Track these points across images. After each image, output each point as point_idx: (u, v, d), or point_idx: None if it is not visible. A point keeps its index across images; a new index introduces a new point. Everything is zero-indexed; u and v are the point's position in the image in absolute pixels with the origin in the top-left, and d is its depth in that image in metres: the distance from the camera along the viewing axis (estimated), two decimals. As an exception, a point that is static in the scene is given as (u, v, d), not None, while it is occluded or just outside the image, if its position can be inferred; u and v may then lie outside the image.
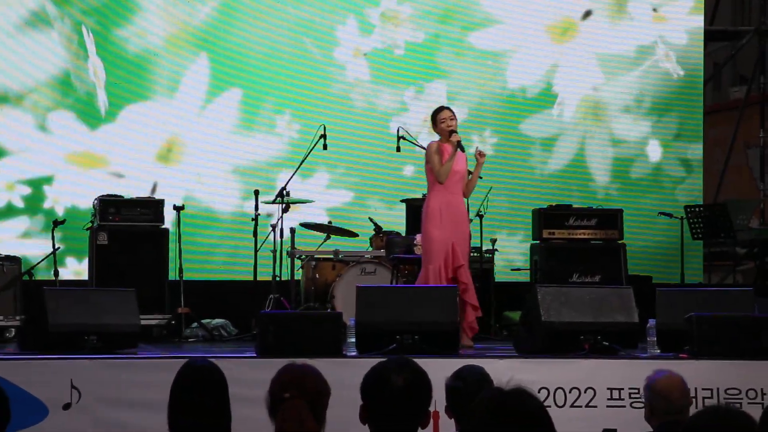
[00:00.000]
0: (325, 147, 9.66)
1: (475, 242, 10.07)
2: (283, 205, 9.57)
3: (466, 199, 8.61)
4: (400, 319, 7.04)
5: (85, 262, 9.75)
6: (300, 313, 8.81)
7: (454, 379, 4.38)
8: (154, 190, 10.55)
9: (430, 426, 3.51)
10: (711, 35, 13.49)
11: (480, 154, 8.37)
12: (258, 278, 9.74)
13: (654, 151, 11.98)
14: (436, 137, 8.46)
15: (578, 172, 11.77)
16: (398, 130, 9.30)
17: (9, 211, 10.46)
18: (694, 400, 5.77)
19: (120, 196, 9.87)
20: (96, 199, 9.75)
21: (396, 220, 10.37)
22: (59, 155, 10.55)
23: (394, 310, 7.08)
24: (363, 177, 11.17)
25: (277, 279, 9.61)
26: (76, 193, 10.50)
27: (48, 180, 10.52)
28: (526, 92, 11.64)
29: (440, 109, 8.53)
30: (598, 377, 6.73)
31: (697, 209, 11.34)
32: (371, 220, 10.05)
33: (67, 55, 10.61)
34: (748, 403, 6.56)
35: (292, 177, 9.72)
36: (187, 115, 10.86)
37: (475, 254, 10.13)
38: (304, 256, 9.71)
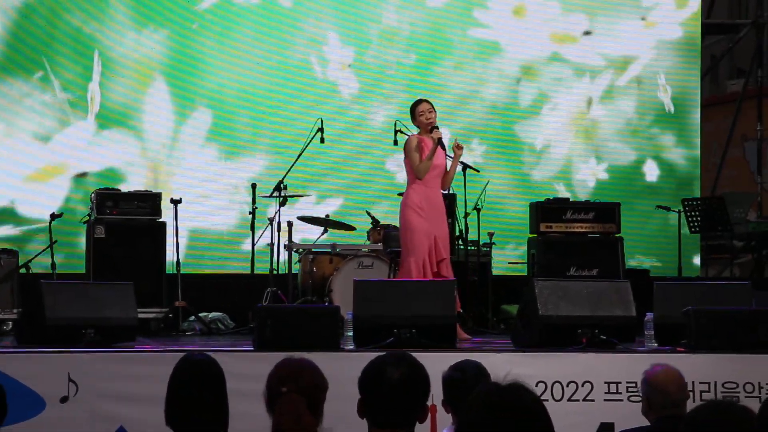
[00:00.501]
0: (322, 140, 9.66)
1: (473, 236, 10.08)
2: (281, 199, 9.57)
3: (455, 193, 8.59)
4: (398, 313, 7.03)
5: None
6: (297, 306, 8.80)
7: (453, 371, 4.38)
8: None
9: (427, 420, 3.51)
10: (708, 28, 13.49)
11: (458, 147, 8.37)
12: (255, 272, 9.74)
13: (651, 145, 11.99)
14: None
15: (575, 165, 11.77)
16: (395, 124, 9.30)
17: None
18: (691, 393, 5.78)
19: (117, 190, 9.86)
20: (93, 192, 9.75)
21: (393, 215, 10.36)
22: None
23: (392, 304, 7.08)
24: (360, 170, 11.16)
25: (275, 272, 9.61)
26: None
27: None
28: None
29: (418, 102, 8.51)
30: (596, 371, 6.73)
31: (694, 202, 11.35)
32: (368, 213, 10.05)
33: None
34: (746, 396, 6.56)
35: (289, 170, 9.72)
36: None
37: (473, 248, 10.14)
38: (301, 250, 9.71)
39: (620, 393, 6.67)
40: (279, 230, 9.56)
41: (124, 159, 10.68)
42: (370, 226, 9.95)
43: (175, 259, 9.55)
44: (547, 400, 6.36)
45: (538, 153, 11.63)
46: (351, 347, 6.95)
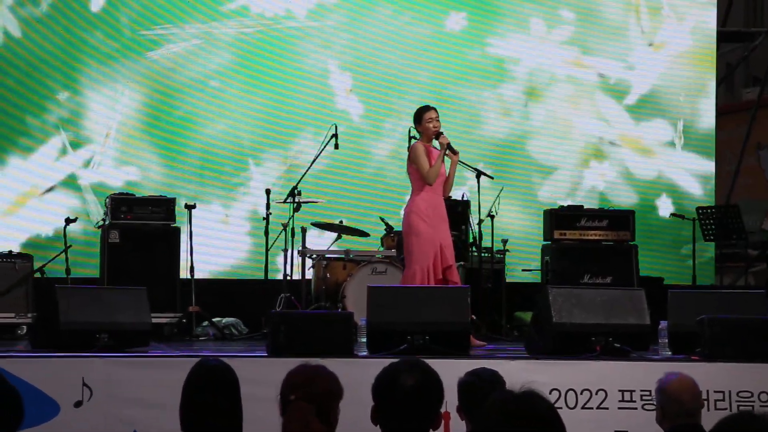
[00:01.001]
0: (336, 146, 9.67)
1: (486, 243, 10.07)
2: (295, 205, 9.58)
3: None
4: (411, 319, 7.03)
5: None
6: (311, 312, 8.81)
7: (469, 376, 4.38)
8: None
9: (441, 427, 3.50)
10: (724, 36, 13.46)
11: (454, 152, 8.37)
12: (269, 277, 9.74)
13: (666, 152, 11.96)
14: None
15: (590, 172, 11.75)
16: (410, 131, 9.29)
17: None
18: (705, 403, 5.76)
19: (132, 194, 9.89)
20: (107, 197, 9.77)
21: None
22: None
23: (406, 311, 7.07)
24: (375, 176, 11.16)
25: (288, 278, 9.62)
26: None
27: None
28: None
29: (426, 108, 8.50)
30: (610, 379, 6.71)
31: (709, 211, 11.32)
32: (382, 219, 10.05)
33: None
34: (761, 405, 6.54)
35: (303, 176, 9.73)
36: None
37: (487, 255, 10.13)
38: (315, 256, 9.72)
39: (634, 401, 6.66)
40: (293, 236, 9.57)
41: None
42: (384, 232, 9.95)
43: (189, 263, 9.56)
44: (560, 408, 6.34)
45: (549, 169, 11.61)
46: (364, 353, 6.94)
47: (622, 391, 6.67)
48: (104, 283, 9.36)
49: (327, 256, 9.64)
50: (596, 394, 6.67)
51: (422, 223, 8.25)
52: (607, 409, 6.66)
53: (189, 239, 9.62)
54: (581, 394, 6.65)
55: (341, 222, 10.05)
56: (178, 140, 10.88)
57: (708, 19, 12.16)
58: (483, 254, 10.04)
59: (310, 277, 9.69)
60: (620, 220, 10.42)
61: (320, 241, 10.20)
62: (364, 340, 7.01)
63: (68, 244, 9.37)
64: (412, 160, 8.42)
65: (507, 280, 10.30)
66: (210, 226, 10.70)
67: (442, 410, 3.47)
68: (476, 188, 9.52)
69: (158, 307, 8.60)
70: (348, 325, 6.97)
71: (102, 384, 6.33)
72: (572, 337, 7.04)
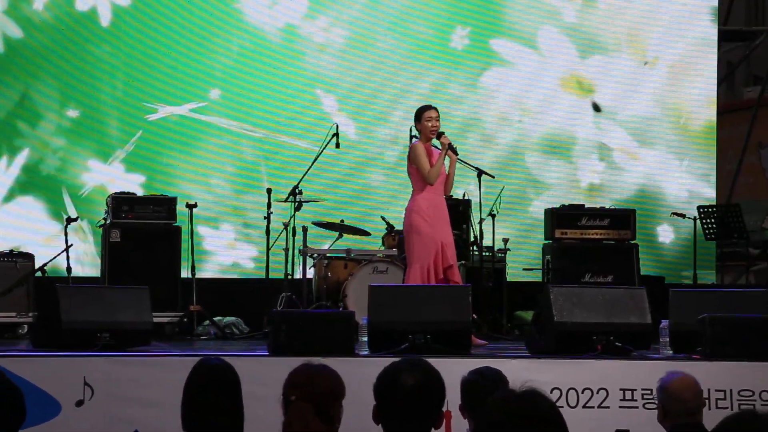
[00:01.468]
0: (337, 146, 9.67)
1: (488, 242, 10.07)
2: (296, 204, 9.58)
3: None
4: (413, 318, 7.03)
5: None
6: (312, 312, 8.81)
7: (472, 375, 4.38)
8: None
9: (442, 426, 3.50)
10: (725, 35, 13.45)
11: (453, 150, 8.36)
12: (270, 276, 9.75)
13: (667, 152, 11.96)
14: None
15: (587, 172, 11.75)
16: (410, 130, 9.29)
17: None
18: (707, 401, 5.76)
19: (133, 194, 9.89)
20: (109, 196, 9.78)
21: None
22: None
23: (407, 310, 7.07)
24: (376, 175, 11.16)
25: (289, 277, 9.62)
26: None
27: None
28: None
29: (427, 107, 8.49)
30: (611, 378, 6.71)
31: (710, 209, 11.32)
32: (384, 219, 10.05)
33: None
34: (762, 404, 6.54)
35: (304, 176, 9.73)
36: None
37: (488, 254, 10.13)
38: (316, 255, 9.71)
39: (635, 400, 6.65)
40: (294, 235, 9.57)
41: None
42: (385, 231, 9.95)
43: (190, 263, 9.57)
44: (562, 407, 6.34)
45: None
46: (365, 353, 6.94)
47: (624, 390, 6.66)
48: (105, 283, 9.36)
49: (328, 255, 9.64)
50: (597, 393, 6.67)
51: (423, 223, 8.25)
52: (608, 408, 6.65)
53: (190, 238, 9.63)
54: (582, 393, 6.64)
55: (342, 221, 10.05)
56: (182, 140, 10.90)
57: (708, 23, 12.15)
58: (484, 253, 10.03)
59: (311, 277, 9.69)
60: (621, 219, 10.42)
61: (321, 240, 10.20)
62: (365, 339, 7.00)
63: (69, 243, 9.38)
64: (412, 160, 8.42)
65: (508, 279, 10.30)
66: (211, 224, 10.71)
67: (444, 409, 3.46)
68: (487, 189, 9.51)
69: (159, 307, 8.60)
70: (349, 325, 6.97)
71: (103, 383, 6.33)
72: (573, 336, 7.04)
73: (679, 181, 11.90)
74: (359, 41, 11.32)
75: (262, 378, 5.74)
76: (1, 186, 10.47)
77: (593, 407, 6.64)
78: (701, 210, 11.26)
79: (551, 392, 6.44)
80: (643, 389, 6.60)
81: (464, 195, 10.07)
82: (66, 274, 9.30)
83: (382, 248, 9.83)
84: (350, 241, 9.95)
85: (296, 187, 9.62)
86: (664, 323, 7.24)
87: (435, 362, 3.56)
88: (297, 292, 9.52)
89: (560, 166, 11.62)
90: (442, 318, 7.06)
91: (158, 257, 9.61)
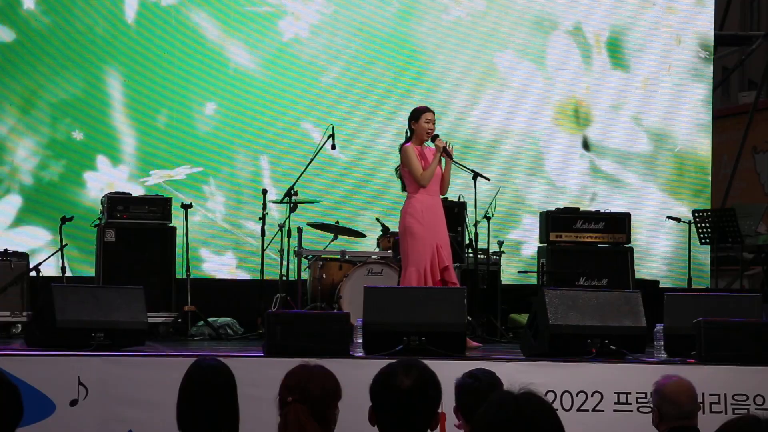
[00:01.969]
0: (333, 147, 9.66)
1: (482, 244, 10.07)
2: (291, 205, 9.58)
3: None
4: (408, 320, 7.02)
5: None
6: (308, 313, 8.80)
7: (466, 378, 4.38)
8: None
9: (437, 428, 3.50)
10: (721, 40, 13.47)
11: (448, 149, 8.35)
12: (265, 277, 9.74)
13: (663, 155, 11.98)
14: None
15: (584, 175, 11.76)
16: (406, 132, 9.27)
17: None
18: (701, 405, 5.76)
19: (128, 194, 9.88)
20: (104, 196, 9.77)
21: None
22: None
23: (402, 311, 7.06)
24: (371, 177, 11.16)
25: (284, 278, 9.61)
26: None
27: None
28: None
29: (426, 108, 8.48)
30: (606, 381, 6.70)
31: (704, 214, 11.33)
32: (378, 220, 10.06)
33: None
34: (756, 409, 6.54)
35: (300, 177, 9.73)
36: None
37: (483, 256, 10.13)
38: (311, 256, 9.71)
39: (630, 404, 6.65)
40: (289, 236, 9.57)
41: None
42: (380, 233, 9.95)
43: (185, 263, 9.56)
44: (556, 410, 6.33)
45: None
46: (360, 354, 6.94)
47: (618, 394, 6.66)
48: (100, 282, 9.35)
49: (323, 256, 9.64)
50: (592, 396, 6.67)
51: (417, 225, 8.24)
52: (602, 411, 6.65)
53: (185, 239, 9.62)
54: (577, 396, 6.64)
55: (337, 222, 10.05)
56: (176, 142, 10.89)
57: (704, 27, 12.17)
58: (479, 256, 10.04)
59: (306, 278, 9.69)
60: (616, 222, 10.42)
61: (316, 241, 10.20)
62: (360, 340, 7.00)
63: (64, 243, 9.37)
64: (403, 163, 8.42)
65: (502, 282, 10.30)
66: (206, 224, 10.71)
67: (439, 411, 3.46)
68: (473, 190, 9.51)
69: (154, 307, 8.60)
70: (344, 326, 6.96)
71: (98, 383, 6.32)
72: (568, 339, 7.04)
73: (675, 184, 11.94)
74: (354, 44, 11.32)
75: (258, 379, 5.74)
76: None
77: (588, 410, 6.63)
78: (696, 214, 11.27)
79: (545, 395, 6.41)
80: (637, 393, 6.60)
81: (459, 198, 10.07)
82: (61, 274, 9.30)
83: (377, 250, 9.83)
84: (345, 243, 9.95)
85: (291, 188, 9.62)
86: (659, 327, 7.24)
87: (429, 364, 3.56)
88: (292, 293, 9.52)
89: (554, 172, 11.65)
90: (437, 320, 7.05)
91: (153, 257, 9.61)
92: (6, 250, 9.49)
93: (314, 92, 11.16)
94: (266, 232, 9.69)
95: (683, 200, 11.91)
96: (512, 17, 11.61)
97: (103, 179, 10.54)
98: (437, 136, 8.36)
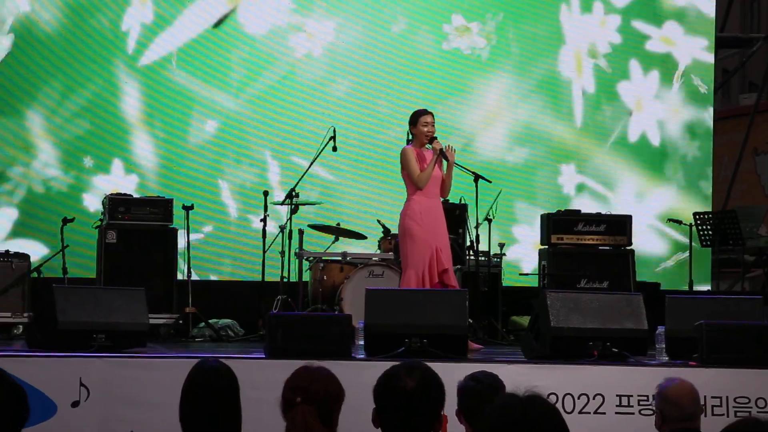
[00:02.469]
0: (334, 149, 9.66)
1: (484, 246, 10.06)
2: (292, 207, 9.58)
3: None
4: (409, 322, 7.02)
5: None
6: (310, 314, 8.80)
7: (469, 380, 4.37)
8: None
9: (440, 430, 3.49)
10: (722, 42, 13.48)
11: (450, 151, 8.34)
12: (266, 279, 9.74)
13: (664, 156, 11.99)
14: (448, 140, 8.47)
15: (586, 177, 11.76)
16: (407, 134, 9.27)
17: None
18: (703, 408, 5.76)
19: (129, 195, 9.88)
20: (106, 197, 9.77)
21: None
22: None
23: (403, 314, 7.06)
24: (372, 179, 11.16)
25: (285, 280, 9.61)
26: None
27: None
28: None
29: (423, 111, 8.49)
30: (607, 384, 6.70)
31: (705, 216, 11.33)
32: (380, 222, 10.05)
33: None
34: (758, 411, 6.53)
35: (301, 178, 9.73)
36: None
37: (484, 258, 10.12)
38: (312, 258, 9.71)
39: (632, 406, 6.65)
40: (290, 238, 9.56)
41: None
42: (381, 235, 9.95)
43: (186, 265, 9.56)
44: (558, 412, 6.33)
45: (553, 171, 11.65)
46: (362, 356, 6.94)
47: (620, 396, 6.66)
48: (101, 284, 9.34)
49: (324, 258, 9.64)
50: (594, 398, 6.66)
51: (416, 227, 8.24)
52: (604, 414, 6.65)
53: (186, 240, 9.62)
54: (579, 398, 6.64)
55: (338, 224, 10.05)
56: (178, 143, 10.89)
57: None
58: (480, 258, 10.04)
59: (307, 280, 9.69)
60: (618, 224, 10.42)
61: (317, 243, 10.19)
62: (362, 342, 7.00)
63: (65, 244, 9.37)
64: (402, 165, 8.42)
65: (503, 284, 10.30)
66: (208, 226, 10.72)
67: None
68: (474, 192, 9.51)
69: (155, 308, 8.60)
70: (346, 328, 6.96)
71: (99, 384, 6.32)
72: (570, 342, 7.03)
73: (676, 186, 11.94)
74: (357, 47, 11.32)
75: (259, 381, 5.73)
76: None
77: (589, 413, 6.63)
78: (697, 216, 11.27)
79: (547, 397, 6.42)
80: (639, 395, 6.60)
81: (461, 200, 10.06)
82: (62, 275, 9.30)
83: (379, 252, 9.83)
84: (346, 245, 9.95)
85: (293, 189, 9.62)
86: (661, 329, 7.24)
87: (431, 366, 3.55)
88: (293, 295, 9.51)
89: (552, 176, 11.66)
90: (439, 322, 7.05)
91: (154, 258, 9.61)
92: (7, 251, 9.49)
93: (318, 96, 11.16)
94: (267, 234, 9.69)
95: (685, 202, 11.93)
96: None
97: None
98: (435, 138, 8.36)
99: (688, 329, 7.06)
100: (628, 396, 6.65)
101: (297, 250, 9.64)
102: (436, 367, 3.65)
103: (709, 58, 12.06)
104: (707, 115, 12.04)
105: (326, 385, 3.51)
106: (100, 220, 9.72)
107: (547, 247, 10.36)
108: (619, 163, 11.77)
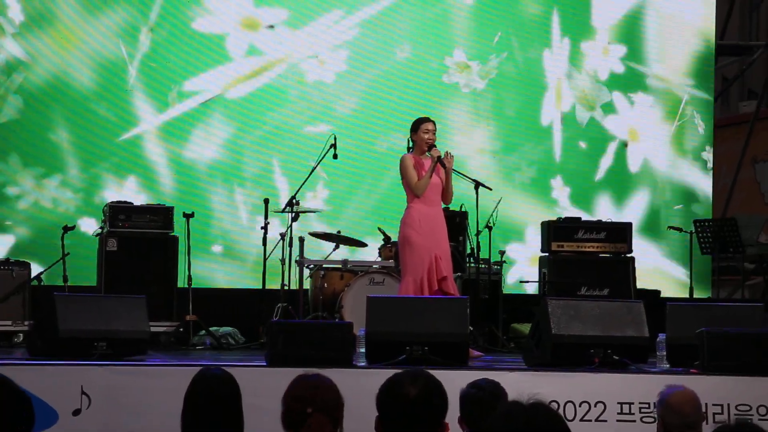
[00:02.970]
0: (335, 156, 9.66)
1: (484, 254, 10.06)
2: (293, 214, 9.58)
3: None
4: (410, 329, 7.02)
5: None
6: (311, 322, 8.80)
7: (471, 388, 4.37)
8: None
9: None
10: (721, 50, 13.49)
11: (448, 158, 8.33)
12: (266, 287, 9.73)
13: (664, 164, 12.00)
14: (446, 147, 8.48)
15: (586, 185, 11.77)
16: (408, 141, 9.26)
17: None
18: (705, 415, 5.75)
19: (130, 203, 9.88)
20: (106, 205, 9.77)
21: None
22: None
23: (405, 321, 7.06)
24: (373, 186, 11.17)
25: (286, 288, 9.61)
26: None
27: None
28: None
29: (425, 119, 8.49)
30: (609, 391, 6.69)
31: (706, 224, 11.34)
32: (380, 230, 10.06)
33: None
34: (759, 419, 6.53)
35: (301, 186, 9.73)
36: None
37: (484, 266, 10.12)
38: (312, 266, 9.71)
39: (633, 414, 6.64)
40: (290, 245, 9.56)
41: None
42: (382, 242, 9.95)
43: (187, 272, 9.56)
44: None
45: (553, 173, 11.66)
46: (363, 364, 6.93)
47: (621, 404, 6.65)
48: (102, 292, 9.34)
49: (324, 266, 9.64)
50: (595, 406, 6.66)
51: (415, 235, 8.24)
52: (605, 421, 6.64)
53: (187, 248, 9.62)
54: (580, 406, 6.63)
55: (339, 232, 10.05)
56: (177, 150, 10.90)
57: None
58: (480, 265, 10.04)
59: (308, 287, 9.69)
60: (618, 232, 10.43)
61: (318, 250, 10.19)
62: (363, 350, 7.00)
63: (66, 252, 9.37)
64: (401, 173, 8.43)
65: (504, 292, 10.30)
66: (209, 233, 10.72)
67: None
68: (474, 199, 9.52)
69: (155, 316, 8.59)
70: (347, 335, 6.96)
71: (101, 392, 6.31)
72: (571, 349, 7.03)
73: (677, 194, 11.96)
74: (358, 59, 11.34)
75: (260, 389, 5.72)
76: None
77: (591, 420, 6.63)
78: (698, 224, 11.28)
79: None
80: (640, 403, 6.60)
81: (461, 207, 10.07)
82: (63, 283, 9.29)
83: (379, 259, 9.83)
84: (347, 252, 9.94)
85: (293, 197, 9.63)
86: (662, 337, 7.24)
87: (432, 374, 3.55)
88: (293, 302, 9.51)
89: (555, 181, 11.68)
90: (440, 330, 7.05)
91: (154, 266, 9.61)
92: (8, 259, 9.49)
93: (319, 96, 11.19)
94: (267, 242, 9.69)
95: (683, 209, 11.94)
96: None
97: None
98: (434, 146, 8.36)
99: (689, 336, 7.07)
100: (630, 403, 6.65)
101: (298, 258, 9.64)
102: (437, 374, 3.65)
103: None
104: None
105: (332, 393, 3.52)
106: (101, 228, 9.72)
107: (547, 254, 10.36)
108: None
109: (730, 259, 11.98)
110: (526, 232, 11.36)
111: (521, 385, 6.30)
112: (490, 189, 9.42)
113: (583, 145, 11.77)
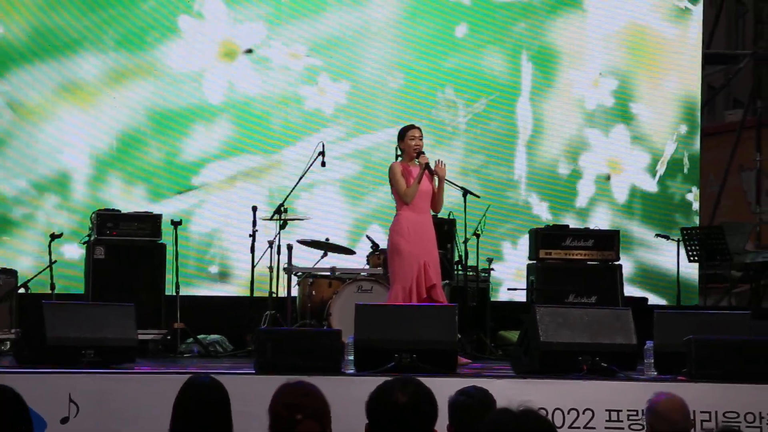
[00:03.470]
0: (323, 164, 9.66)
1: (472, 262, 10.07)
2: (281, 222, 9.57)
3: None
4: (399, 337, 7.03)
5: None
6: (299, 330, 8.79)
7: (460, 395, 4.38)
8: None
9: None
10: (708, 59, 13.55)
11: (440, 167, 8.34)
12: (254, 295, 9.72)
13: (651, 173, 12.04)
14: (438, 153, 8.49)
15: (574, 192, 11.80)
16: (396, 149, 9.28)
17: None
18: (693, 422, 5.77)
19: (117, 211, 9.86)
20: (93, 213, 9.75)
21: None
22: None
23: (393, 329, 7.07)
24: (361, 194, 11.17)
25: (274, 295, 9.60)
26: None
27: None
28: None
29: (411, 126, 8.52)
30: (597, 398, 6.71)
31: (693, 231, 11.38)
32: (368, 238, 10.06)
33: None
34: (747, 426, 6.55)
35: (290, 194, 9.73)
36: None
37: (472, 273, 10.13)
38: (300, 273, 9.70)
39: (621, 421, 6.66)
40: (279, 253, 9.56)
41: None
42: (370, 250, 9.95)
43: (175, 280, 9.55)
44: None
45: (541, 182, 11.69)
46: (351, 371, 6.93)
47: (609, 411, 6.67)
48: (89, 299, 9.32)
49: (313, 273, 9.63)
50: (583, 413, 6.67)
51: (404, 242, 8.24)
52: (594, 428, 6.66)
53: (174, 256, 9.61)
54: (568, 413, 6.65)
55: (327, 239, 10.05)
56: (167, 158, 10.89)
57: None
58: (468, 273, 10.04)
59: (296, 295, 9.68)
60: (605, 240, 10.46)
61: (306, 258, 10.18)
62: (351, 357, 7.00)
63: (53, 260, 9.34)
64: (389, 181, 8.44)
65: (491, 299, 10.31)
66: (196, 241, 10.70)
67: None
68: (462, 207, 9.52)
69: (143, 324, 8.56)
70: (336, 343, 6.97)
71: (89, 400, 6.30)
72: (559, 357, 7.05)
73: (663, 202, 11.99)
74: (350, 62, 11.34)
75: (248, 396, 5.72)
76: None
77: (579, 428, 6.64)
78: (685, 232, 11.31)
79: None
80: (628, 410, 6.61)
81: (449, 215, 10.08)
82: (50, 291, 9.26)
83: (367, 267, 9.83)
84: (335, 260, 9.94)
85: (282, 205, 9.62)
86: (649, 344, 7.26)
87: (422, 381, 3.55)
88: (281, 310, 9.50)
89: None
90: (429, 337, 7.06)
91: (142, 274, 9.59)
92: (-5, 267, 9.47)
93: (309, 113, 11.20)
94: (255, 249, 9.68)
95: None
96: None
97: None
98: (422, 153, 8.38)
99: (677, 344, 7.09)
100: (618, 411, 6.67)
101: (286, 266, 9.63)
102: (426, 382, 3.66)
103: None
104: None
105: (321, 399, 3.52)
106: (88, 235, 9.70)
107: (535, 261, 10.38)
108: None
109: (717, 267, 12.03)
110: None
111: (510, 392, 6.28)
112: (478, 197, 9.43)
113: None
